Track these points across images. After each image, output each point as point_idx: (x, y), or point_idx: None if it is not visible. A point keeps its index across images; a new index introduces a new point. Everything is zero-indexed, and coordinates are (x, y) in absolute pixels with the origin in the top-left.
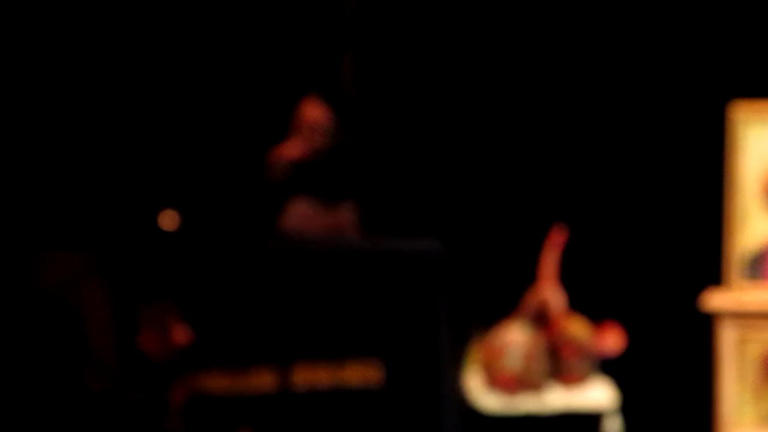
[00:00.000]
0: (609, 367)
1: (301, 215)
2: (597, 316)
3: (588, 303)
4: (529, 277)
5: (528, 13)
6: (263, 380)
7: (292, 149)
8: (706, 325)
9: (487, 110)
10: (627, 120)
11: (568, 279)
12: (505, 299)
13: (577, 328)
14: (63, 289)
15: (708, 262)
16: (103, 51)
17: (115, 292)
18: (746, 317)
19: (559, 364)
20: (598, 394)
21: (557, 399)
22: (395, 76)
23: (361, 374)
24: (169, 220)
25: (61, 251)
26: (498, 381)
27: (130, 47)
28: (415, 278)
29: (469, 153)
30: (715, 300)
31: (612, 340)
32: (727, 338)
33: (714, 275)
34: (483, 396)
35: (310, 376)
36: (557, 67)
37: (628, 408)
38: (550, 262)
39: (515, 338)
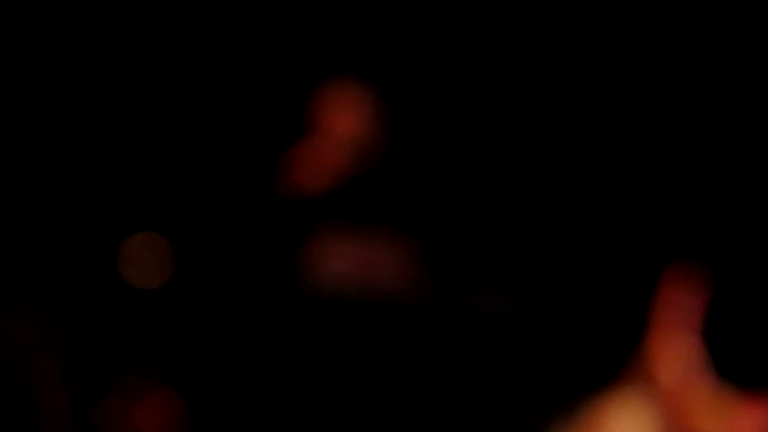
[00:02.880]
0: None
1: (327, 252)
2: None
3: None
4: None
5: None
6: None
7: (311, 169)
8: None
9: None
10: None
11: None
12: (603, 364)
13: (704, 409)
14: (11, 355)
15: None
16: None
17: (77, 362)
18: None
19: None
20: None
21: None
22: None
23: None
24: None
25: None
26: None
27: (131, 57)
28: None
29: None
30: None
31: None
32: None
33: None
34: None
35: None
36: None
37: None
38: (669, 308)
39: (619, 417)
